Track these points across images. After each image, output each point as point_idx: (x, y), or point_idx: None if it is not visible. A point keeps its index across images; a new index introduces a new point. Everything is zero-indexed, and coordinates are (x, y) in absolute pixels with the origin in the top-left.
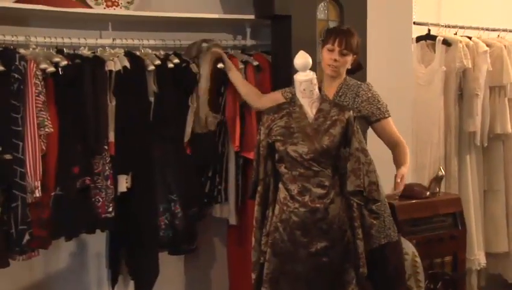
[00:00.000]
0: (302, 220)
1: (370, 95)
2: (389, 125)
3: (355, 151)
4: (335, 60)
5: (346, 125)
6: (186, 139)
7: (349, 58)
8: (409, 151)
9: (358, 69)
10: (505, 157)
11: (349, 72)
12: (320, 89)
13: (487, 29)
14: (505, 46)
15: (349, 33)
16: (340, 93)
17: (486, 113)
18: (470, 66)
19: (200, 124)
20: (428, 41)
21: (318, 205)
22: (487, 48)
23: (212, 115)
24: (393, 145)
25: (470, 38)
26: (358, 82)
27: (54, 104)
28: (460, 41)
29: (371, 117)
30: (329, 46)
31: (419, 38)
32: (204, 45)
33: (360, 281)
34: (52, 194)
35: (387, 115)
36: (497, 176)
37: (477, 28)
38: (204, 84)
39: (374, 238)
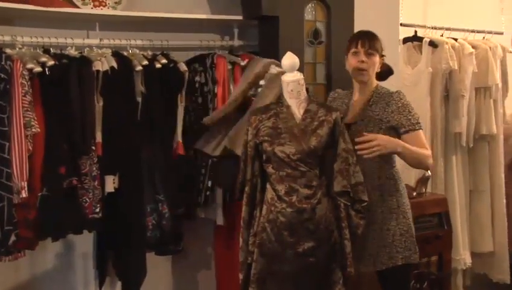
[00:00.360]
0: (289, 220)
1: (400, 104)
2: (419, 138)
3: (342, 151)
4: (362, 62)
5: (333, 126)
6: (179, 139)
7: (376, 59)
8: (425, 160)
9: (388, 73)
10: (490, 158)
11: (380, 78)
12: (307, 90)
13: (473, 31)
14: (490, 48)
15: (371, 34)
16: (371, 103)
17: (472, 114)
18: (456, 67)
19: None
20: (415, 43)
21: (305, 206)
22: (473, 50)
23: None
24: None
25: (455, 40)
26: (390, 90)
27: (40, 105)
28: (447, 43)
29: (400, 128)
30: (353, 49)
31: (406, 40)
32: (275, 70)
33: (347, 281)
34: (39, 194)
35: (417, 127)
36: (483, 176)
37: (463, 30)
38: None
39: (389, 258)
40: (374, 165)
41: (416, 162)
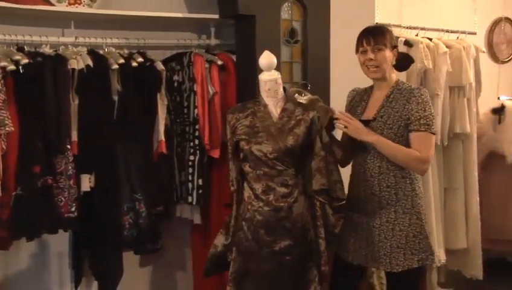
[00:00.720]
0: (266, 219)
1: (420, 100)
2: (420, 140)
3: (319, 150)
4: (370, 59)
5: (310, 125)
6: (160, 138)
7: (387, 53)
8: (412, 162)
9: (407, 63)
10: (464, 157)
11: (400, 69)
12: (285, 89)
13: (447, 31)
14: (463, 47)
15: (376, 29)
16: (390, 99)
17: (447, 113)
18: (431, 66)
19: None
20: None
21: (282, 204)
22: (447, 49)
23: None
24: None
25: (430, 39)
26: (412, 86)
27: (14, 103)
28: (421, 43)
29: (410, 125)
30: (360, 48)
31: None
32: (301, 99)
33: (323, 279)
34: (13, 194)
35: (422, 129)
36: (457, 174)
37: (438, 30)
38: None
39: (405, 259)
40: (390, 163)
41: (398, 161)
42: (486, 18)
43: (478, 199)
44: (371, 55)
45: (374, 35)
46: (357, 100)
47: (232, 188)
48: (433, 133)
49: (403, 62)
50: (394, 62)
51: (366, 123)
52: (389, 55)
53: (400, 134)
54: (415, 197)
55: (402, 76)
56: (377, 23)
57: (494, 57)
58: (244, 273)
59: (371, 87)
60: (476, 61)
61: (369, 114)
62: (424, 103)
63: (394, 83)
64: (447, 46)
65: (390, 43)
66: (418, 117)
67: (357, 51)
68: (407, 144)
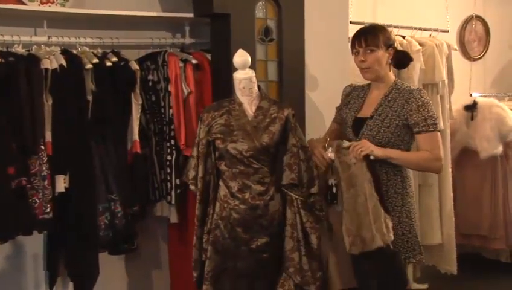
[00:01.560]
0: (243, 217)
1: (421, 102)
2: (430, 140)
3: (292, 147)
4: (362, 61)
5: (285, 123)
6: (135, 138)
7: (380, 54)
8: (428, 164)
9: (406, 61)
10: None
11: (398, 67)
12: (259, 87)
13: (420, 29)
14: (436, 45)
15: (369, 29)
16: (389, 98)
17: None
18: None
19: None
20: None
21: (258, 202)
22: (420, 47)
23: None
24: None
25: (403, 37)
26: (411, 87)
27: None
28: (395, 40)
29: (414, 128)
30: (354, 50)
31: None
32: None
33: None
34: None
35: (431, 129)
36: None
37: (411, 28)
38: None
39: None
40: (382, 160)
41: (414, 166)
42: (458, 16)
43: (452, 195)
44: (362, 57)
45: (366, 37)
46: (354, 96)
47: (192, 187)
48: (440, 131)
49: (401, 60)
50: (390, 61)
51: (363, 121)
52: (382, 55)
53: (397, 133)
54: (406, 195)
55: None
56: (351, 21)
57: (466, 54)
58: (221, 271)
59: (368, 85)
60: (449, 59)
61: (365, 112)
62: (425, 104)
63: (393, 83)
64: (420, 44)
65: (385, 42)
66: (424, 118)
67: (352, 52)
68: (403, 143)
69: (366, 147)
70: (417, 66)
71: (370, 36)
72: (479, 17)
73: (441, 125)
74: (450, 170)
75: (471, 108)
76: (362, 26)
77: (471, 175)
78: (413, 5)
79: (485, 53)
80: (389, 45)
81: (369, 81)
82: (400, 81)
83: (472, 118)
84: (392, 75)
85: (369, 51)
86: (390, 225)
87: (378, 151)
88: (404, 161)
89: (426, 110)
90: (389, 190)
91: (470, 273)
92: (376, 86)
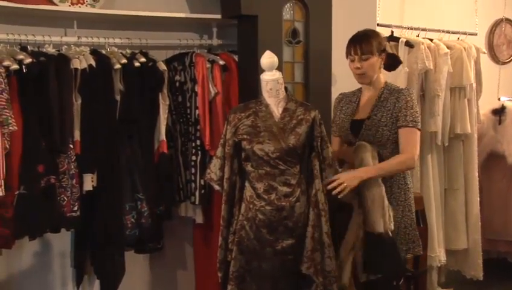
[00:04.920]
0: (268, 218)
1: (409, 99)
2: (407, 135)
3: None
4: (357, 68)
5: (311, 124)
6: (162, 138)
7: (373, 60)
8: (401, 167)
9: (395, 64)
10: (465, 157)
11: (389, 69)
12: (286, 88)
13: (448, 32)
14: (464, 48)
15: (363, 37)
16: (382, 99)
17: (447, 113)
18: (432, 67)
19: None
20: (392, 43)
21: (284, 203)
22: (448, 50)
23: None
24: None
25: (431, 40)
26: (400, 87)
27: (18, 102)
28: (423, 43)
29: (398, 121)
30: (350, 57)
31: None
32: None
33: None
34: (16, 193)
35: (410, 125)
36: (457, 175)
37: (439, 31)
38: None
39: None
40: (388, 156)
41: (394, 173)
42: (487, 19)
43: (478, 199)
44: (357, 64)
45: (361, 45)
46: (346, 102)
47: (217, 188)
48: (419, 130)
49: (391, 62)
50: (382, 66)
51: (360, 122)
52: (376, 60)
53: (394, 131)
54: (407, 190)
55: (402, 77)
56: (378, 23)
57: (495, 57)
58: (245, 272)
59: (359, 90)
60: (477, 62)
61: (362, 114)
62: (412, 101)
63: (383, 84)
64: (448, 47)
65: (378, 48)
66: (406, 114)
67: (347, 57)
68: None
69: (348, 179)
70: (444, 69)
71: (364, 44)
72: (508, 20)
73: (421, 126)
74: (477, 174)
75: (499, 112)
76: (389, 28)
77: (498, 180)
78: (441, 8)
79: None
80: (382, 50)
81: (360, 86)
82: (389, 82)
83: (500, 122)
84: (382, 77)
85: (364, 59)
86: (392, 214)
87: (356, 180)
88: (385, 172)
89: (411, 106)
90: (393, 185)
91: (495, 279)
92: (368, 89)
